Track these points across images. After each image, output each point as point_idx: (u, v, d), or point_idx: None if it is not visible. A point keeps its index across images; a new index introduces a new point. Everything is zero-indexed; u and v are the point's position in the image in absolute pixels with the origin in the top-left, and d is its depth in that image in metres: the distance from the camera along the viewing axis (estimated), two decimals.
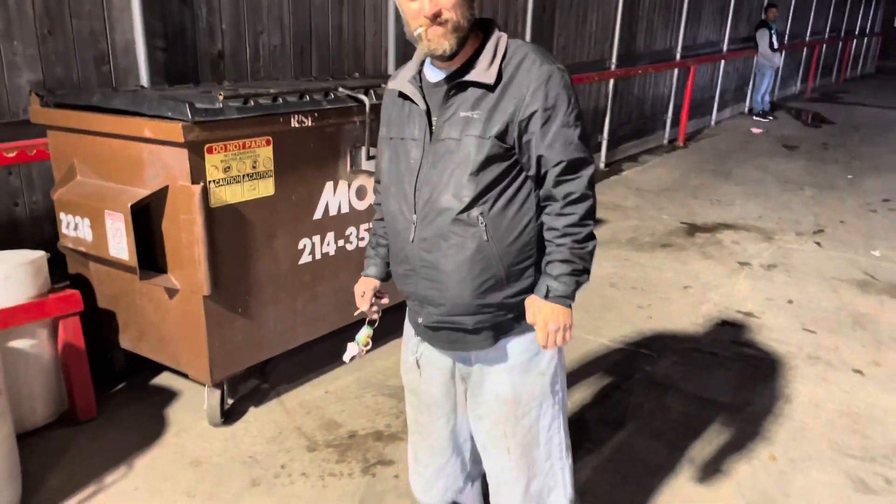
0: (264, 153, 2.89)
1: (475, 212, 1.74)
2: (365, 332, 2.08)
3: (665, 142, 9.29)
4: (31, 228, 3.32)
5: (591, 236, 1.77)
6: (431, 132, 1.77)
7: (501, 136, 1.70)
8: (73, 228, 2.98)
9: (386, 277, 2.09)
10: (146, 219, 2.82)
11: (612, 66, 7.55)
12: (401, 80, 1.83)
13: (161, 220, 2.79)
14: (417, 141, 1.79)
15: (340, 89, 3.20)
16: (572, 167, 1.72)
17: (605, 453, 2.88)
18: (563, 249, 1.74)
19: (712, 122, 10.78)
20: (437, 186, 1.75)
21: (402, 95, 1.83)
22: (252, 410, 3.14)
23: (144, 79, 3.56)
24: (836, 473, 2.81)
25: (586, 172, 1.74)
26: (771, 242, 5.54)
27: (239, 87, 3.27)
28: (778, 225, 5.98)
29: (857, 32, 18.03)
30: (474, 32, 1.74)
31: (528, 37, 6.20)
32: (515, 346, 1.89)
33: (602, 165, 7.87)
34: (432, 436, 2.08)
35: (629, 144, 8.58)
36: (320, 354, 3.56)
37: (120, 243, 2.79)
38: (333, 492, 2.62)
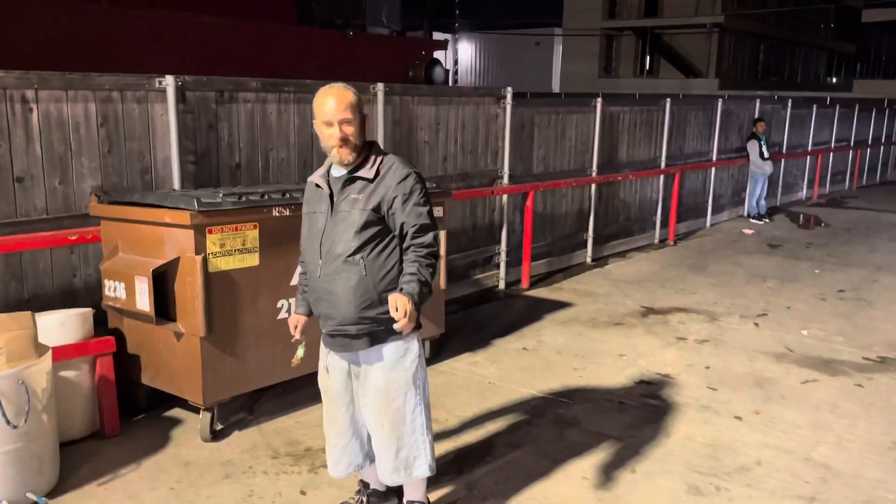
0: (252, 234, 3.96)
1: (357, 256, 2.74)
2: (300, 351, 3.07)
3: (656, 240, 10.15)
4: (84, 294, 4.42)
5: (434, 272, 2.75)
6: (332, 207, 2.80)
7: (376, 209, 2.73)
8: (113, 290, 4.06)
9: (309, 313, 3.07)
10: (163, 282, 3.88)
11: (593, 174, 8.60)
12: (316, 176, 2.90)
13: (174, 281, 3.85)
14: (324, 213, 2.82)
15: None
16: (422, 228, 2.74)
17: (499, 464, 3.69)
18: (414, 266, 2.72)
19: (707, 224, 11.60)
20: (334, 240, 2.77)
21: (317, 185, 2.88)
22: (235, 433, 4.05)
23: (177, 184, 4.74)
24: (678, 482, 3.54)
25: (431, 233, 2.76)
26: (713, 323, 6.29)
27: (246, 189, 4.40)
28: (727, 310, 6.73)
29: (870, 142, 18.82)
30: (365, 147, 2.80)
31: (507, 150, 7.31)
32: (387, 350, 2.84)
33: (588, 260, 8.77)
34: (338, 421, 2.99)
35: (617, 242, 9.48)
36: (297, 396, 4.47)
37: (144, 299, 3.85)
38: (284, 482, 3.50)
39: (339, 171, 2.85)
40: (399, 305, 2.67)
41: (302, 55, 13.98)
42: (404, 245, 2.79)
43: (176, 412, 4.31)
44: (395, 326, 2.68)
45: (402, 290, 2.71)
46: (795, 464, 3.76)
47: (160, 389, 4.13)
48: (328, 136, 2.75)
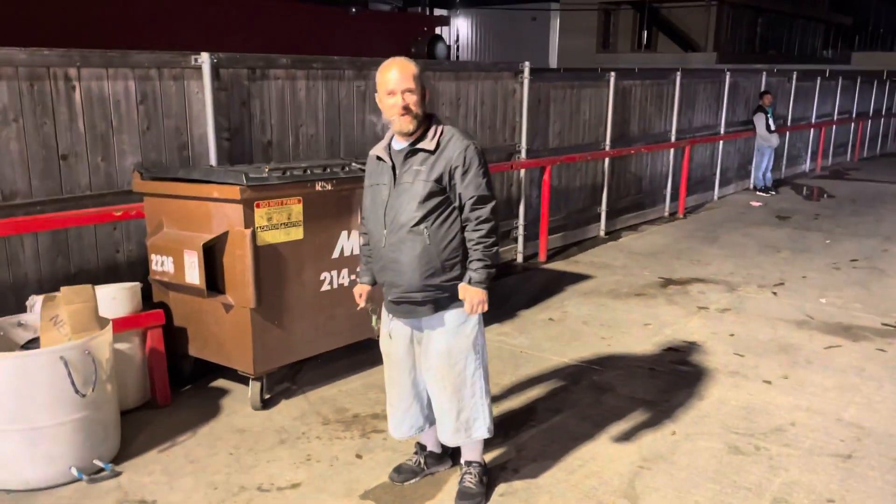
0: (296, 209, 4.04)
1: (421, 226, 2.84)
2: (374, 321, 3.19)
3: (666, 214, 10.26)
4: (127, 269, 4.51)
5: (495, 244, 2.85)
6: (395, 179, 2.88)
7: (438, 180, 2.82)
8: (161, 265, 4.15)
9: (374, 283, 3.16)
10: (210, 256, 3.97)
11: (607, 148, 8.68)
12: (378, 148, 2.99)
13: (222, 255, 3.94)
14: (387, 185, 2.91)
15: (353, 164, 4.36)
16: (480, 200, 2.82)
17: (543, 428, 3.82)
18: (478, 252, 2.83)
19: (715, 197, 11.72)
20: (398, 210, 2.86)
21: (379, 158, 2.96)
22: (283, 401, 4.17)
23: (213, 161, 4.80)
24: (717, 442, 3.68)
25: (489, 205, 2.84)
26: (732, 293, 6.42)
27: (282, 164, 4.47)
28: (744, 280, 6.86)
29: (871, 114, 18.91)
30: (426, 119, 2.88)
31: (524, 125, 7.38)
32: (449, 316, 2.94)
33: (602, 233, 8.89)
34: (400, 385, 3.10)
35: (630, 216, 9.59)
36: (337, 366, 4.59)
37: (193, 273, 3.94)
38: (338, 447, 3.62)
39: (399, 145, 2.93)
40: (468, 298, 2.83)
41: (304, 32, 13.95)
42: (463, 216, 2.88)
43: (221, 383, 4.42)
44: (468, 312, 2.83)
45: (470, 279, 2.83)
46: (828, 424, 3.91)
47: (207, 360, 4.24)
48: (390, 105, 2.83)
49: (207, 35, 11.42)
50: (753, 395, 4.26)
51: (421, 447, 3.36)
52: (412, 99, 2.80)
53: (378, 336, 3.23)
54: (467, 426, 3.01)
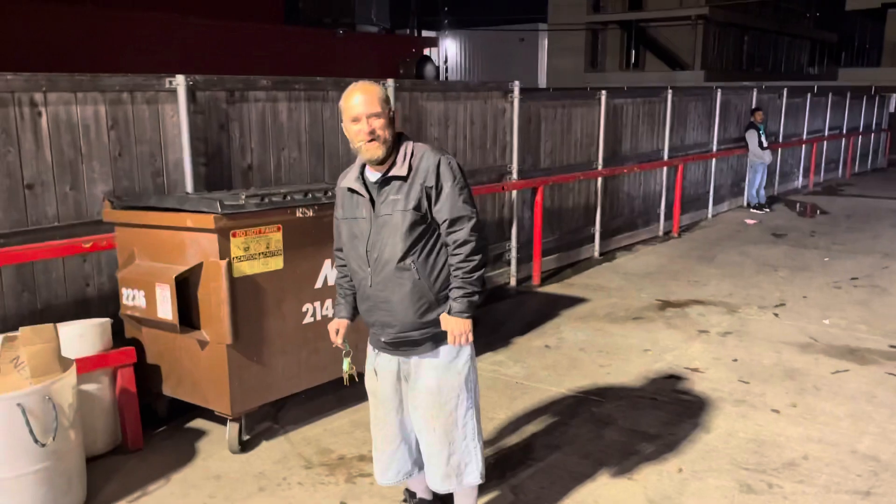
0: (275, 237, 3.82)
1: (408, 260, 2.61)
2: (346, 364, 2.94)
3: (661, 233, 10.08)
4: (98, 304, 4.25)
5: (477, 268, 2.60)
6: (374, 212, 2.66)
7: (417, 207, 2.59)
8: (132, 299, 3.90)
9: (352, 317, 2.93)
10: (185, 289, 3.73)
11: (599, 167, 8.51)
12: (349, 180, 2.75)
13: (197, 288, 3.70)
14: (366, 218, 2.68)
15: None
16: (456, 221, 2.60)
17: (541, 467, 3.57)
18: (458, 280, 2.60)
19: (709, 215, 11.56)
20: (381, 246, 2.63)
21: (351, 190, 2.73)
22: (264, 443, 3.91)
23: (190, 187, 4.58)
24: (728, 480, 3.44)
25: (468, 225, 2.60)
26: (733, 315, 6.22)
27: (261, 190, 4.25)
28: (744, 300, 6.66)
29: (860, 129, 18.89)
30: (395, 141, 2.66)
31: (515, 145, 7.20)
32: (442, 350, 2.70)
33: (596, 254, 8.69)
34: (386, 426, 2.86)
35: (624, 235, 9.39)
36: (322, 402, 4.34)
37: (166, 307, 3.70)
38: (322, 494, 3.37)
39: (374, 175, 2.70)
40: (450, 329, 2.61)
41: (291, 55, 13.79)
42: (443, 241, 2.66)
43: (198, 423, 4.16)
44: (451, 344, 2.61)
45: (450, 309, 2.61)
46: (843, 457, 3.68)
47: (182, 400, 3.98)
48: (356, 132, 2.60)
49: (189, 58, 11.24)
50: (762, 426, 4.03)
51: (410, 494, 3.11)
52: (378, 123, 2.57)
53: (347, 381, 2.98)
54: (458, 471, 2.77)
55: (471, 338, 2.65)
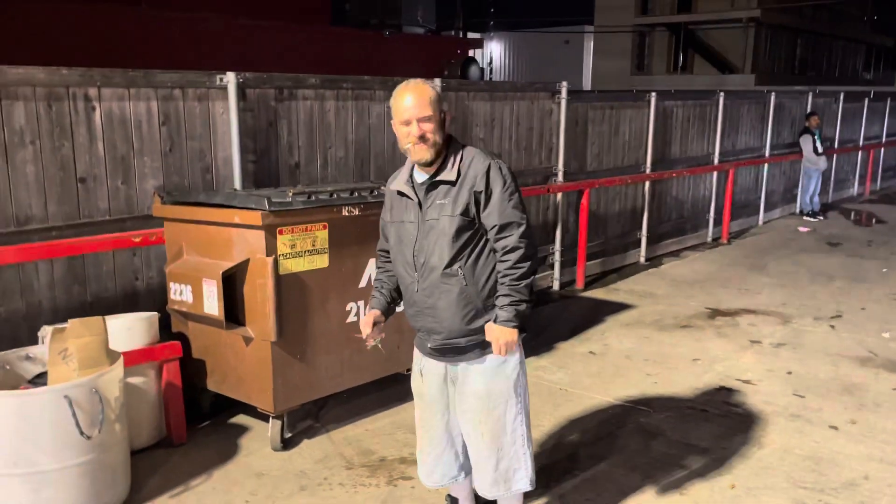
0: (321, 235, 3.80)
1: (455, 266, 2.54)
2: (378, 343, 2.82)
3: (709, 239, 9.83)
4: (146, 298, 4.29)
5: (525, 276, 2.52)
6: (421, 216, 2.60)
7: (465, 212, 2.52)
8: (179, 294, 3.92)
9: (385, 311, 2.84)
10: (231, 285, 3.73)
11: (647, 170, 8.33)
12: (398, 182, 2.70)
13: (243, 284, 3.69)
14: (413, 223, 2.62)
15: (382, 188, 4.11)
16: (505, 227, 2.52)
17: (587, 477, 3.47)
18: (504, 287, 2.52)
19: (760, 222, 11.24)
20: (428, 252, 2.57)
21: (400, 193, 2.68)
22: (305, 441, 3.89)
23: (238, 184, 4.59)
24: (784, 499, 3.30)
25: (517, 231, 2.52)
26: (786, 325, 6.01)
27: (307, 188, 4.23)
28: (798, 311, 6.43)
29: None
30: (445, 143, 2.59)
31: (561, 146, 7.09)
32: (489, 356, 2.63)
33: (642, 259, 8.51)
34: (433, 428, 2.80)
35: (671, 241, 9.19)
36: (364, 402, 4.31)
37: (212, 302, 3.70)
38: (363, 495, 3.32)
39: (422, 177, 2.64)
40: (494, 339, 2.54)
41: (338, 55, 13.87)
42: (491, 247, 2.58)
43: (241, 419, 4.16)
44: (495, 353, 2.54)
45: (496, 317, 2.53)
46: None
47: (226, 395, 3.99)
48: (404, 134, 2.54)
49: (238, 59, 11.37)
50: (819, 443, 3.86)
51: (452, 500, 3.04)
52: (428, 127, 2.50)
53: (368, 346, 2.84)
54: (507, 477, 2.69)
55: (514, 347, 2.57)
